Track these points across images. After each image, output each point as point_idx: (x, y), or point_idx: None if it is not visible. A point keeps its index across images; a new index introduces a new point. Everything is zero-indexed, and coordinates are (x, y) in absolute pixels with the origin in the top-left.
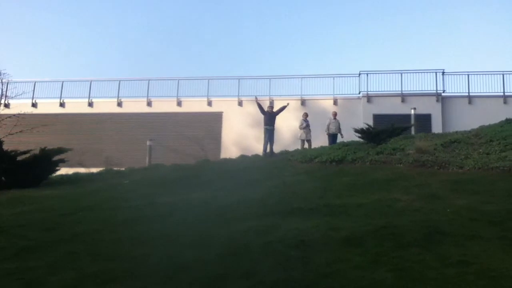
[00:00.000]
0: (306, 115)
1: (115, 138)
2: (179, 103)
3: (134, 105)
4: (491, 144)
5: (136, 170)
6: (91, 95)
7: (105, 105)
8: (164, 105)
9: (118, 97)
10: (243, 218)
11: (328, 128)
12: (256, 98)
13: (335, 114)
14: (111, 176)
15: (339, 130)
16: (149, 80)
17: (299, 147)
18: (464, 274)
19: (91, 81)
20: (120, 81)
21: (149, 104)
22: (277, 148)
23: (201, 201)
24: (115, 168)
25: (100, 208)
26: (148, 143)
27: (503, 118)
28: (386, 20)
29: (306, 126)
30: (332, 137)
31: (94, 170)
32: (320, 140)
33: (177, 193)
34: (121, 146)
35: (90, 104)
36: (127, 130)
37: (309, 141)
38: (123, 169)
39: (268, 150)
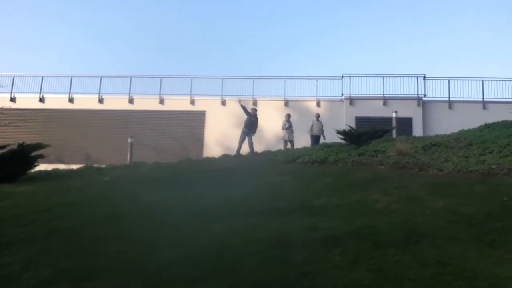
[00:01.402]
0: (289, 115)
1: (96, 135)
2: (161, 101)
3: (116, 102)
4: (470, 148)
5: (117, 167)
6: (71, 91)
7: (86, 102)
8: (146, 103)
9: (99, 93)
10: (224, 217)
11: (311, 130)
12: (239, 100)
13: (318, 116)
14: (91, 173)
15: (322, 131)
16: (131, 77)
17: (282, 147)
18: (441, 274)
19: (72, 76)
20: (101, 77)
21: (131, 101)
22: (260, 148)
23: (182, 200)
24: (96, 165)
25: (77, 204)
26: (129, 140)
27: (482, 123)
28: (370, 24)
29: (289, 126)
30: (315, 139)
31: (74, 166)
32: (302, 141)
33: (158, 191)
34: (102, 143)
35: (71, 100)
36: (108, 127)
37: (291, 141)
38: (104, 166)
39: (240, 151)
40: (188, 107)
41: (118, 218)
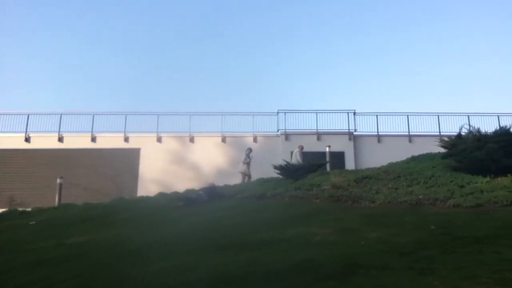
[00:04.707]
0: (250, 150)
1: (22, 176)
2: (93, 139)
3: (44, 141)
4: (399, 179)
5: (44, 210)
6: None
7: (11, 141)
8: (77, 141)
9: (26, 132)
10: (162, 257)
11: (297, 161)
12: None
13: (302, 148)
14: (15, 217)
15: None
16: (61, 114)
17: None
18: None
19: None
20: (28, 115)
21: (60, 139)
22: (198, 185)
23: (115, 240)
24: (21, 209)
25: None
26: (58, 181)
27: (409, 156)
28: (304, 61)
29: (249, 161)
30: None
31: None
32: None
33: (88, 233)
34: (29, 185)
35: None
36: (36, 167)
37: (249, 176)
38: (30, 209)
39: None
40: (122, 144)
41: (45, 264)
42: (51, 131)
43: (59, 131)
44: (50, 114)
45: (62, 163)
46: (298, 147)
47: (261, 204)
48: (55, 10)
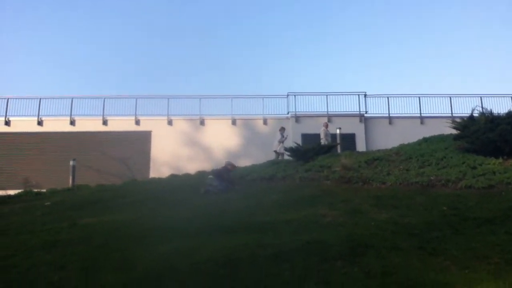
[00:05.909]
0: (284, 129)
1: (36, 158)
2: (104, 122)
3: (56, 124)
4: (410, 161)
5: (58, 191)
6: (8, 114)
7: (24, 124)
8: (89, 124)
9: (38, 115)
10: (169, 239)
11: (326, 139)
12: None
13: (327, 125)
14: (31, 198)
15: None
16: (72, 98)
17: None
18: (386, 284)
19: (8, 98)
20: (40, 99)
21: (72, 123)
22: (208, 166)
23: (125, 222)
24: (36, 190)
25: (14, 231)
26: (71, 163)
27: (421, 137)
28: (315, 43)
29: (284, 139)
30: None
31: (12, 192)
32: (253, 158)
33: (101, 214)
34: (42, 167)
35: (7, 123)
36: (49, 150)
37: (283, 154)
38: (44, 190)
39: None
40: (133, 127)
41: (58, 244)
42: (63, 115)
43: (70, 115)
44: (61, 98)
45: (74, 146)
46: (323, 125)
47: (271, 186)
48: None
